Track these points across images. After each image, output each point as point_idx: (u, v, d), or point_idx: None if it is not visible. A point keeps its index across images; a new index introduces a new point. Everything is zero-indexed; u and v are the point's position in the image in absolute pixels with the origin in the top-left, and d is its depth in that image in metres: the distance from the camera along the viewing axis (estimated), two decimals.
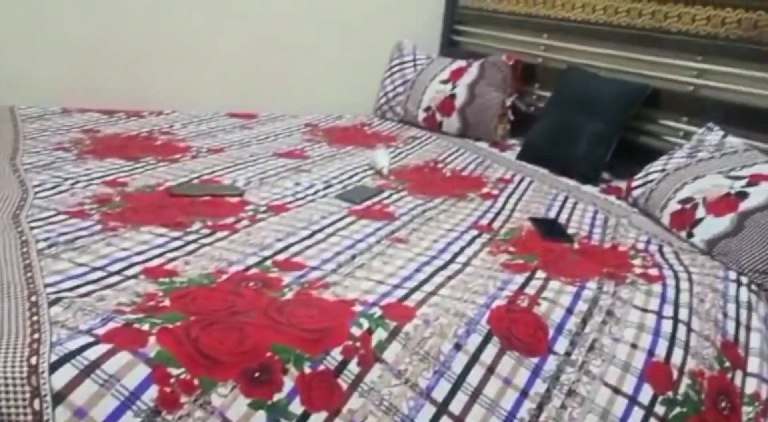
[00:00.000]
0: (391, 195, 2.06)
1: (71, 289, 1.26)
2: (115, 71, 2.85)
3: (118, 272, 1.37)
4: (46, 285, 1.26)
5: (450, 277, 1.50)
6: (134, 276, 1.35)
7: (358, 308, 1.29)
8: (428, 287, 1.43)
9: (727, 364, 1.47)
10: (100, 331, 1.11)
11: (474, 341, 1.29)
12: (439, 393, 1.23)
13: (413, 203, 2.00)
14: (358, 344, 1.20)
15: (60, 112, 2.68)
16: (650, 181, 2.10)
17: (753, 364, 1.51)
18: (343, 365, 1.18)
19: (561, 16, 2.83)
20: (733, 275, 1.68)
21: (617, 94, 2.43)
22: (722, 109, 2.20)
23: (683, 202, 1.93)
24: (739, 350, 1.51)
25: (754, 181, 1.85)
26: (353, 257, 1.56)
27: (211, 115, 2.91)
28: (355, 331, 1.22)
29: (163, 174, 2.06)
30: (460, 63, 3.09)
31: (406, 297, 1.37)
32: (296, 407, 1.12)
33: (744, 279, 1.67)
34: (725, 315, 1.55)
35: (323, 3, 3.17)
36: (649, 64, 2.45)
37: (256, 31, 3.07)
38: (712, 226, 1.81)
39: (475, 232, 1.80)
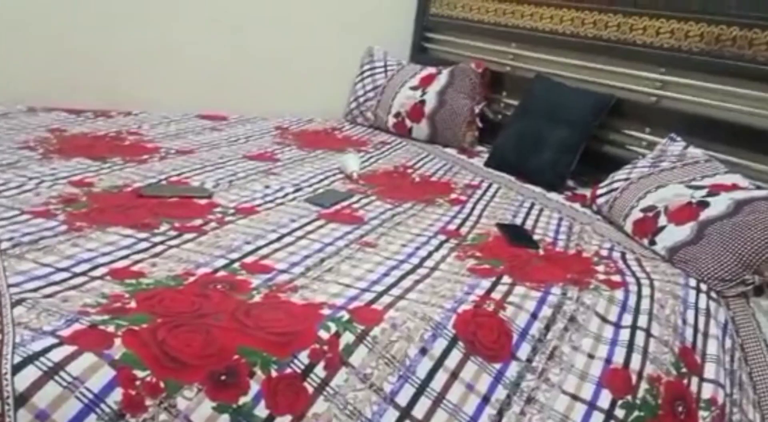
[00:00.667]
0: (360, 199, 2.07)
1: (35, 290, 1.25)
2: (83, 70, 2.81)
3: (84, 273, 1.35)
4: (10, 286, 1.24)
5: (418, 281, 1.51)
6: (100, 278, 1.34)
7: (326, 311, 1.30)
8: (396, 291, 1.44)
9: (684, 370, 1.51)
10: (65, 332, 1.10)
11: (440, 345, 1.31)
12: (403, 397, 1.24)
13: (382, 207, 2.01)
14: (325, 347, 1.21)
15: (26, 110, 2.63)
16: (614, 190, 2.14)
17: (710, 370, 1.55)
18: (309, 368, 1.18)
19: (529, 26, 2.88)
20: (693, 282, 1.72)
21: (583, 103, 2.47)
22: (684, 120, 2.26)
23: (646, 210, 1.98)
24: (696, 356, 1.55)
25: (715, 190, 1.90)
26: (322, 260, 1.57)
27: (181, 116, 2.89)
28: (323, 335, 1.23)
29: (131, 174, 2.04)
30: (430, 70, 3.12)
31: (374, 300, 1.38)
32: (261, 410, 1.12)
33: (704, 287, 1.72)
34: (684, 321, 1.59)
35: (296, 8, 3.17)
36: (614, 74, 2.50)
37: (228, 33, 3.06)
38: (673, 234, 1.85)
39: (443, 237, 1.82)
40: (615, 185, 2.16)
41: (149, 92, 2.95)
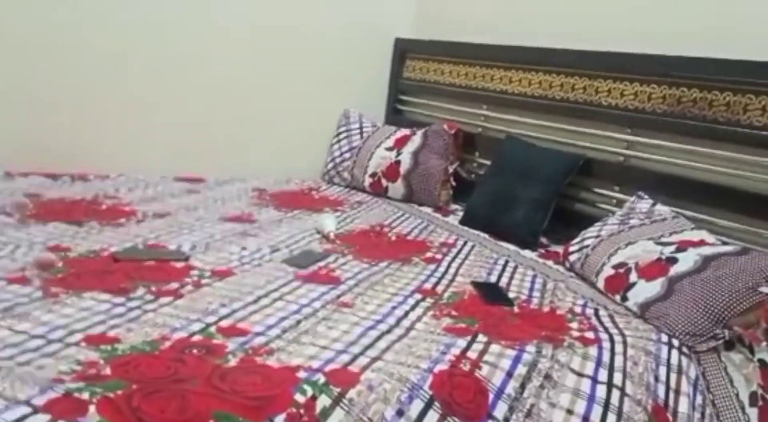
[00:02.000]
0: (337, 259, 2.09)
1: (10, 358, 1.24)
2: (59, 135, 2.83)
3: (59, 340, 1.35)
4: None
5: (394, 342, 1.52)
6: (75, 344, 1.34)
7: (302, 374, 1.30)
8: (373, 352, 1.45)
9: None
10: (39, 401, 1.09)
11: (416, 407, 1.31)
12: None
13: (359, 267, 2.03)
14: (301, 411, 1.21)
15: (2, 175, 2.64)
16: (585, 246, 2.19)
17: None
18: None
19: (499, 89, 2.97)
20: (665, 338, 1.75)
21: (553, 162, 2.54)
22: (651, 178, 2.33)
23: (617, 266, 2.02)
24: (668, 414, 1.57)
25: (683, 246, 1.95)
26: (298, 322, 1.58)
27: (159, 179, 2.91)
28: (299, 398, 1.23)
29: (108, 238, 2.04)
30: (405, 131, 3.19)
31: (350, 362, 1.39)
32: None
33: (675, 342, 1.74)
34: (657, 378, 1.61)
35: (273, 71, 3.25)
36: (583, 135, 2.59)
37: (206, 96, 3.11)
38: (644, 290, 1.89)
39: (419, 296, 1.84)
40: (586, 242, 2.20)
41: (126, 155, 2.97)
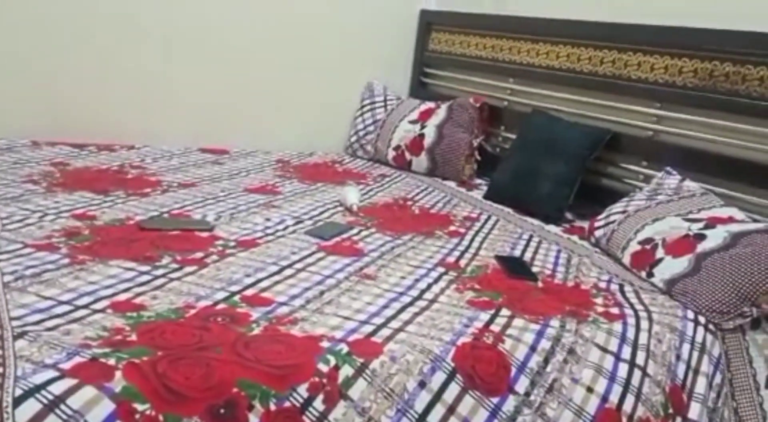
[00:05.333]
0: (360, 231, 2.08)
1: (37, 323, 1.26)
2: (86, 105, 2.85)
3: (86, 306, 1.36)
4: (12, 319, 1.25)
5: (417, 314, 1.52)
6: (101, 311, 1.35)
7: (325, 344, 1.31)
8: (395, 324, 1.45)
9: (671, 411, 1.51)
10: (66, 366, 1.10)
11: (438, 379, 1.31)
12: None
13: (382, 240, 2.03)
14: (324, 380, 1.21)
15: (29, 144, 2.67)
16: (611, 222, 2.16)
17: (694, 411, 1.56)
18: (308, 402, 1.18)
19: (526, 62, 2.93)
20: (691, 315, 1.73)
21: (579, 137, 2.51)
22: (680, 153, 2.28)
23: (643, 242, 1.99)
24: (683, 395, 1.56)
25: (711, 223, 1.92)
26: (322, 293, 1.58)
27: (183, 149, 2.92)
28: (322, 368, 1.23)
29: (133, 208, 2.06)
30: (429, 104, 3.16)
31: (373, 333, 1.39)
32: None
33: (702, 319, 1.72)
34: (678, 357, 1.60)
35: (298, 43, 3.23)
36: (610, 109, 2.54)
37: (230, 68, 3.11)
38: (671, 267, 1.87)
39: (442, 269, 1.83)
40: (612, 218, 2.18)
41: (152, 126, 2.99)
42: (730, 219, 1.93)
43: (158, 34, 2.93)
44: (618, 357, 1.52)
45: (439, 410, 1.28)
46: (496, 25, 3.08)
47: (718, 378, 1.64)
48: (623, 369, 1.50)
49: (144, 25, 2.89)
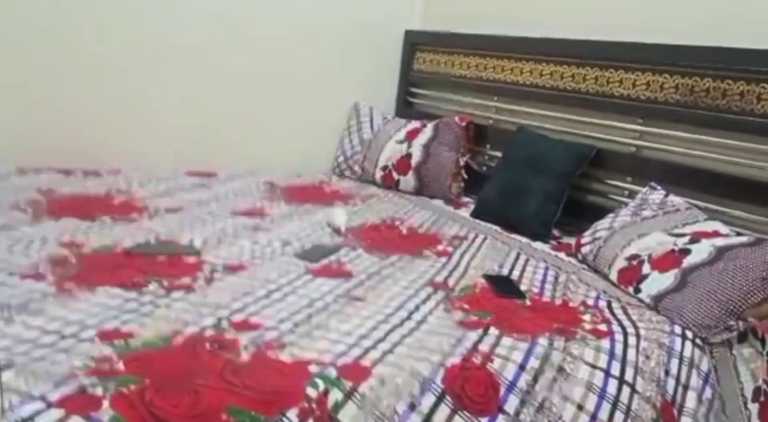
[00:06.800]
0: (348, 253, 2.09)
1: (24, 354, 1.25)
2: (72, 130, 2.84)
3: (73, 335, 1.35)
4: None
5: (406, 335, 1.52)
6: (89, 339, 1.34)
7: (314, 369, 1.30)
8: (384, 346, 1.45)
9: None
10: (53, 397, 1.10)
11: (428, 401, 1.31)
12: None
13: (370, 261, 2.03)
14: (314, 405, 1.21)
15: (15, 171, 2.66)
16: (598, 238, 2.18)
17: None
18: None
19: (510, 80, 2.96)
20: (678, 330, 1.74)
21: (564, 154, 2.53)
22: (663, 169, 2.31)
23: (630, 258, 2.01)
24: (674, 410, 1.57)
25: (696, 238, 1.94)
26: (310, 316, 1.58)
27: (170, 173, 2.92)
28: (311, 392, 1.23)
29: (121, 233, 2.05)
30: (415, 124, 3.18)
31: (362, 356, 1.39)
32: None
33: (689, 334, 1.73)
34: (667, 372, 1.61)
35: (284, 65, 3.25)
36: (594, 125, 2.57)
37: (216, 91, 3.12)
38: (657, 282, 1.88)
39: (430, 290, 1.84)
40: (598, 234, 2.19)
41: (138, 149, 2.98)
42: (715, 234, 1.95)
43: (145, 57, 2.93)
44: (608, 373, 1.52)
45: None
46: (480, 45, 3.12)
47: (708, 393, 1.65)
48: (613, 386, 1.51)
49: (131, 48, 2.89)
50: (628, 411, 1.48)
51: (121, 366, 1.24)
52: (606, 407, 1.47)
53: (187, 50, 3.01)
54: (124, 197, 2.49)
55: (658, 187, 2.24)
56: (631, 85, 2.44)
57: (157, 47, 2.95)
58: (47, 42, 2.74)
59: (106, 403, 1.10)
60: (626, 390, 1.51)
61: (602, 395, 1.48)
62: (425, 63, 3.46)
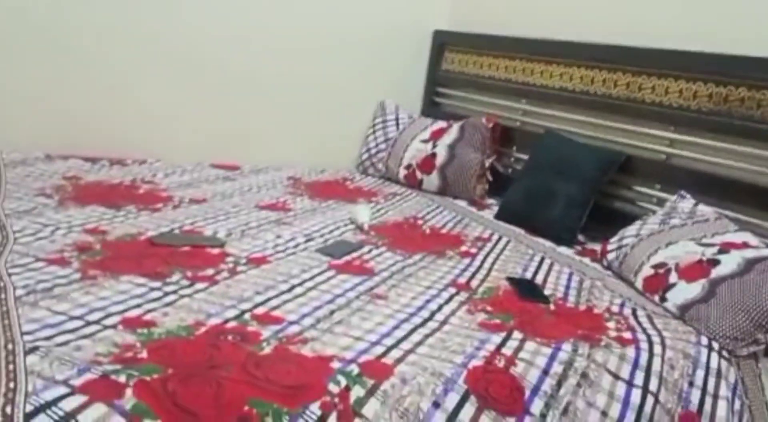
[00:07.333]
0: (371, 250, 2.08)
1: (48, 338, 1.26)
2: (99, 120, 2.86)
3: (97, 322, 1.36)
4: (23, 334, 1.25)
5: (428, 335, 1.51)
6: (112, 327, 1.35)
7: (335, 365, 1.30)
8: (406, 345, 1.44)
9: None
10: (77, 382, 1.10)
11: (452, 399, 1.30)
12: None
13: (393, 259, 2.02)
14: (336, 400, 1.20)
15: (43, 157, 2.68)
16: (624, 245, 2.15)
17: None
18: (322, 420, 1.17)
19: (539, 83, 2.93)
20: (704, 341, 1.71)
21: (592, 159, 2.50)
22: (693, 177, 2.27)
23: (656, 266, 1.98)
24: (702, 420, 1.53)
25: (725, 248, 1.90)
26: (332, 312, 1.57)
27: (195, 165, 2.93)
28: (333, 388, 1.22)
29: (145, 223, 2.06)
30: (441, 123, 3.16)
31: (384, 354, 1.38)
32: None
33: (715, 345, 1.70)
34: (691, 383, 1.58)
35: (311, 61, 3.25)
36: (624, 132, 2.54)
37: (243, 85, 3.12)
38: (684, 292, 1.85)
39: (453, 290, 1.82)
40: (625, 241, 2.16)
41: (164, 141, 3.00)
42: (744, 245, 1.91)
43: (173, 50, 2.94)
44: (630, 384, 1.50)
45: None
46: (510, 46, 3.09)
47: (737, 404, 1.62)
48: (636, 395, 1.49)
49: (159, 42, 2.90)
50: (651, 420, 1.46)
51: (144, 354, 1.24)
52: (630, 415, 1.44)
53: (216, 46, 3.02)
54: (148, 187, 2.50)
55: (688, 196, 2.21)
56: (664, 91, 2.40)
57: (185, 43, 2.96)
58: (81, 31, 2.76)
59: (129, 391, 1.10)
60: (650, 399, 1.49)
61: (626, 403, 1.46)
62: (453, 63, 3.44)
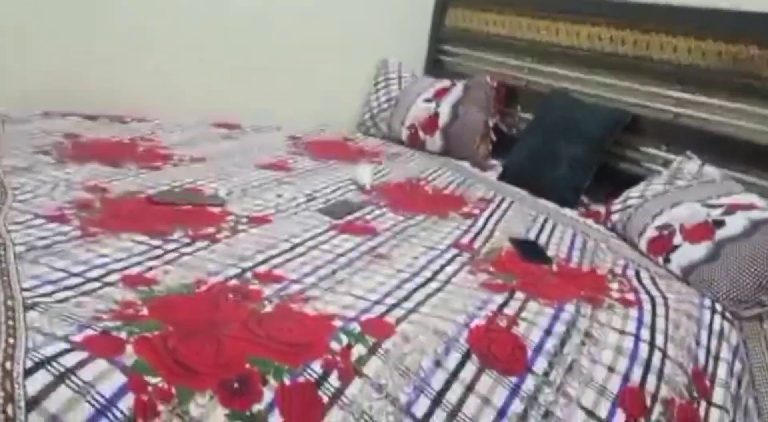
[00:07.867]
0: (373, 210, 2.06)
1: (48, 294, 1.25)
2: (99, 77, 2.83)
3: (97, 278, 1.35)
4: (23, 290, 1.24)
5: (430, 295, 1.50)
6: (113, 284, 1.34)
7: (337, 323, 1.29)
8: (408, 304, 1.43)
9: (696, 394, 1.49)
10: (77, 338, 1.09)
11: (453, 358, 1.29)
12: (419, 409, 1.22)
13: (395, 219, 2.00)
14: (338, 358, 1.20)
15: (42, 115, 2.65)
16: (629, 207, 2.13)
17: (718, 395, 1.53)
18: (323, 378, 1.16)
19: (545, 41, 2.87)
20: (708, 302, 1.71)
21: (598, 119, 2.46)
22: (701, 138, 2.24)
23: (661, 228, 1.96)
24: (706, 380, 1.53)
25: (731, 210, 1.88)
26: (334, 272, 1.56)
27: (195, 123, 2.90)
28: (335, 346, 1.22)
29: (145, 181, 2.04)
30: (444, 82, 3.12)
31: (385, 313, 1.37)
32: (275, 418, 1.10)
33: (719, 307, 1.70)
34: (698, 342, 1.57)
35: (311, 18, 3.19)
36: (631, 90, 2.49)
37: (243, 43, 3.08)
38: (688, 253, 1.84)
39: (455, 251, 1.81)
40: (629, 202, 2.14)
41: (164, 99, 2.96)
42: (751, 206, 1.89)
43: (172, 7, 2.89)
44: (638, 338, 1.49)
45: (457, 389, 1.27)
46: (515, 2, 3.03)
47: (737, 366, 1.61)
48: (643, 350, 1.47)
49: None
50: (660, 375, 1.44)
51: (145, 311, 1.23)
52: (638, 369, 1.43)
53: (217, 5, 2.97)
54: (148, 144, 2.48)
55: (694, 157, 2.18)
56: (672, 49, 2.36)
57: (185, 1, 2.90)
58: None
59: (129, 348, 1.10)
60: (657, 354, 1.47)
61: (633, 357, 1.45)
62: (457, 19, 3.37)
